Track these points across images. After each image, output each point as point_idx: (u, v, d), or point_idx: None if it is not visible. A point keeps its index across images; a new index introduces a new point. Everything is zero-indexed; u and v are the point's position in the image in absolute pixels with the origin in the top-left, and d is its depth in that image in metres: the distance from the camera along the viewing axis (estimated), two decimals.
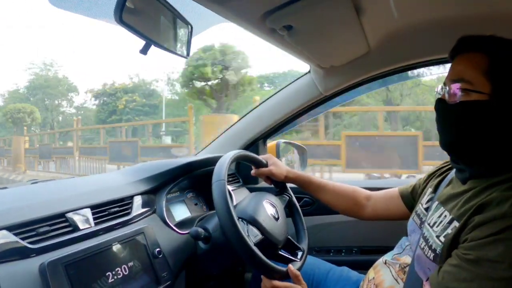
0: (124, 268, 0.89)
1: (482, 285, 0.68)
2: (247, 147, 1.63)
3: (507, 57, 0.77)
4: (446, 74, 0.86)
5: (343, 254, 1.55)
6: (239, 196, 1.37)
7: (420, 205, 0.99)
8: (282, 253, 1.04)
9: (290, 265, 0.98)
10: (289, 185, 1.28)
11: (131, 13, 0.72)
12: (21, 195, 0.93)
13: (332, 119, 9.83)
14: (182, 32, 0.94)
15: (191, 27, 0.96)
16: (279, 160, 1.26)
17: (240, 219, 0.99)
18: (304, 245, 1.14)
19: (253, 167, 1.23)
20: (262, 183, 1.59)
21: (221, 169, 0.99)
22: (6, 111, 21.83)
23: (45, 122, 28.09)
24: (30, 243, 0.78)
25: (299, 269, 1.02)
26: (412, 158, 6.38)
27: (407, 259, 0.97)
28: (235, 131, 1.67)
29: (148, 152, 9.55)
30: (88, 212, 0.92)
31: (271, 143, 1.69)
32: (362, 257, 1.52)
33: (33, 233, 0.79)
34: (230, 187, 1.41)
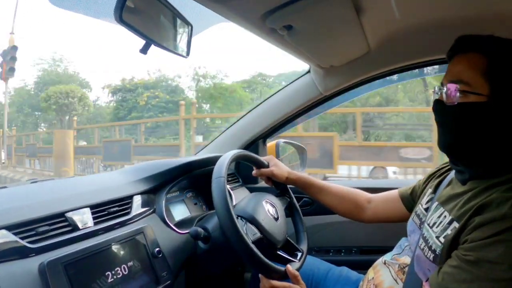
0: (124, 267, 0.89)
1: (482, 286, 0.68)
2: (247, 146, 1.63)
3: (506, 58, 0.76)
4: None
5: (342, 254, 1.55)
6: (239, 196, 1.37)
7: (420, 205, 0.99)
8: (281, 254, 1.04)
9: (288, 265, 0.97)
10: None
11: (131, 12, 0.72)
12: (20, 194, 0.93)
13: None
14: (182, 32, 0.94)
15: (191, 27, 0.96)
16: (281, 162, 1.26)
17: (239, 217, 0.99)
18: (303, 246, 1.14)
19: (254, 167, 1.23)
20: (262, 183, 1.59)
21: (222, 167, 0.99)
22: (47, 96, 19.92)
23: (52, 119, 27.00)
24: (29, 242, 0.78)
25: (297, 270, 1.02)
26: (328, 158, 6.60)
27: (406, 259, 0.97)
28: (235, 131, 1.67)
29: (141, 151, 9.67)
30: (87, 212, 0.92)
31: (270, 143, 1.69)
32: (361, 257, 1.52)
33: (33, 232, 0.79)
34: (229, 187, 1.41)
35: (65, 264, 0.78)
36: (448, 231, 0.78)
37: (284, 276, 0.96)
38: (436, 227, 0.83)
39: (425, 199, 0.98)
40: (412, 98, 14.55)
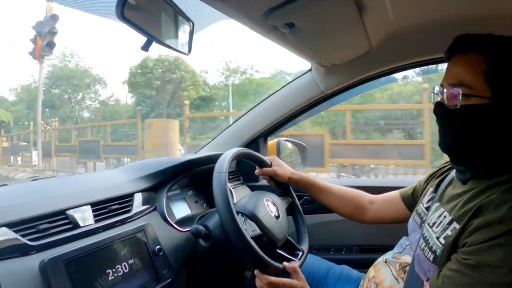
0: (125, 265, 0.89)
1: None
2: (248, 144, 1.63)
3: (506, 58, 0.75)
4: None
5: (343, 252, 1.55)
6: (240, 194, 1.37)
7: (421, 204, 0.99)
8: (281, 252, 1.04)
9: (285, 262, 0.97)
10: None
11: (132, 9, 0.72)
12: (21, 192, 0.93)
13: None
14: (183, 29, 0.93)
15: (193, 24, 0.95)
16: (283, 162, 1.26)
17: (239, 214, 0.99)
18: (304, 246, 1.13)
19: (257, 166, 1.23)
20: (263, 181, 1.58)
21: (223, 163, 1.00)
22: None
23: (67, 117, 26.12)
24: (30, 240, 0.78)
25: None
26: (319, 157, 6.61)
27: (407, 258, 0.97)
28: (236, 129, 1.66)
29: (109, 150, 10.68)
30: (88, 209, 0.92)
31: (272, 141, 1.69)
32: (362, 256, 1.52)
33: (33, 230, 0.79)
34: (230, 185, 1.41)
35: (66, 262, 0.78)
36: (448, 232, 0.77)
37: (283, 273, 0.96)
38: (436, 227, 0.82)
39: (426, 198, 0.98)
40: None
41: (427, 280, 0.82)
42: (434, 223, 0.84)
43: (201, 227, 1.03)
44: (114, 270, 0.86)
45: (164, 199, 1.14)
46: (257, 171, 1.23)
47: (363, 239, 1.52)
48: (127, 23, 0.70)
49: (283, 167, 1.23)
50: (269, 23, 0.95)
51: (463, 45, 0.80)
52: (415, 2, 1.06)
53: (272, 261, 0.94)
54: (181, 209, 1.24)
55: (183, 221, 1.18)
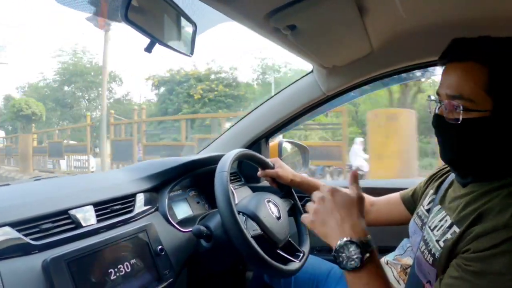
0: (127, 265, 0.89)
1: None
2: (250, 146, 1.63)
3: (508, 68, 0.72)
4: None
5: None
6: (241, 195, 1.37)
7: (421, 206, 0.99)
8: (281, 253, 1.04)
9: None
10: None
11: (136, 11, 0.72)
12: (24, 192, 0.93)
13: None
14: (186, 31, 0.94)
15: (196, 26, 0.96)
16: (285, 164, 1.26)
17: (240, 213, 0.99)
18: (305, 248, 1.13)
19: (259, 168, 1.23)
20: (264, 182, 1.59)
21: (226, 162, 1.01)
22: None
23: (81, 115, 24.93)
24: (33, 239, 0.78)
25: (297, 270, 1.02)
26: None
27: (408, 260, 0.97)
28: (238, 130, 1.67)
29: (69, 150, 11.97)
30: (91, 209, 0.92)
31: (273, 142, 1.69)
32: None
33: (36, 229, 0.80)
34: (232, 186, 1.42)
35: (68, 261, 0.78)
36: (448, 235, 0.77)
37: (282, 272, 0.96)
38: (437, 231, 0.82)
39: (426, 200, 0.98)
40: None
41: (427, 282, 0.82)
42: (435, 226, 0.83)
43: (202, 228, 1.03)
44: (116, 270, 0.86)
45: (166, 200, 1.15)
46: (259, 172, 1.23)
47: None
48: (131, 25, 0.71)
49: (285, 169, 1.23)
50: (271, 25, 0.96)
51: (460, 52, 0.76)
52: (416, 4, 1.06)
53: (272, 261, 0.94)
54: (183, 210, 1.25)
55: (184, 222, 1.18)
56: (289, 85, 1.59)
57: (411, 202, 1.11)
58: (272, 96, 1.62)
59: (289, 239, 1.10)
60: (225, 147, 1.63)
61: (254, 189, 1.52)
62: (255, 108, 1.66)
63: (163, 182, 1.18)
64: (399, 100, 12.25)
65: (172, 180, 1.21)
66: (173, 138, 11.96)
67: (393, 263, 1.00)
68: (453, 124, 0.76)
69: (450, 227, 0.78)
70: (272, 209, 1.07)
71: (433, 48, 1.27)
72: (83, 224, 0.88)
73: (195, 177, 1.33)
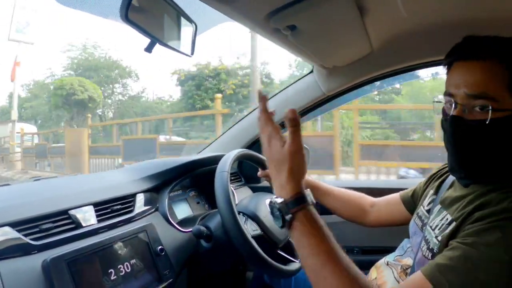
0: (127, 265, 0.89)
1: (475, 265, 0.65)
2: (250, 146, 1.63)
3: None
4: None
5: None
6: (242, 195, 1.37)
7: (421, 207, 0.99)
8: (281, 253, 1.04)
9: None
10: None
11: (136, 11, 0.72)
12: (24, 192, 0.93)
13: None
14: (186, 31, 0.94)
15: (196, 26, 0.96)
16: None
17: (240, 213, 0.99)
18: None
19: (259, 168, 1.23)
20: (265, 182, 1.59)
21: (226, 162, 1.01)
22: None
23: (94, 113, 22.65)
24: (33, 239, 0.78)
25: (298, 270, 1.02)
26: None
27: (408, 261, 0.97)
28: (238, 130, 1.67)
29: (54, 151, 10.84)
30: (91, 210, 0.92)
31: None
32: (363, 257, 1.52)
33: (36, 229, 0.80)
34: (232, 186, 1.42)
35: (68, 261, 0.78)
36: (447, 231, 0.77)
37: (282, 272, 0.96)
38: (438, 230, 0.82)
39: (426, 200, 0.98)
40: None
41: None
42: (436, 226, 0.83)
43: (202, 228, 1.03)
44: (116, 270, 0.86)
45: (166, 200, 1.15)
46: (259, 172, 1.23)
47: (365, 240, 1.52)
48: (131, 25, 0.71)
49: None
50: (271, 26, 0.96)
51: (478, 49, 0.74)
52: (416, 5, 1.06)
53: (271, 261, 0.94)
54: (183, 210, 1.25)
55: (184, 222, 1.18)
56: (289, 85, 1.59)
57: (411, 202, 1.11)
58: (273, 96, 1.62)
59: (290, 239, 1.10)
60: (225, 147, 1.63)
61: (254, 189, 1.52)
62: (255, 108, 1.65)
63: (163, 182, 1.18)
64: None
65: (172, 180, 1.21)
66: (205, 137, 11.22)
67: (394, 264, 1.00)
68: (478, 125, 0.72)
69: (450, 224, 0.78)
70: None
71: (433, 48, 1.28)
72: (83, 224, 0.88)
73: (195, 177, 1.33)
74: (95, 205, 0.94)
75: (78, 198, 0.92)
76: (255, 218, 1.00)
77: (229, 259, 1.09)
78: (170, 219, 1.11)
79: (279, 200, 0.72)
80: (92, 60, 22.17)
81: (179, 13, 0.89)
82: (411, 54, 1.35)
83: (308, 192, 0.73)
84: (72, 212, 0.88)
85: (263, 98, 0.78)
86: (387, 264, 1.02)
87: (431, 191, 0.98)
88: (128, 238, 0.93)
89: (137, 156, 9.24)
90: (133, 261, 0.91)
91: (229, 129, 1.71)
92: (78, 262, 0.80)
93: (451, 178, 0.92)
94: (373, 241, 1.50)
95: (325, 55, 1.31)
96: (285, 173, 0.73)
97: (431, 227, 0.86)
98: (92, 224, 0.90)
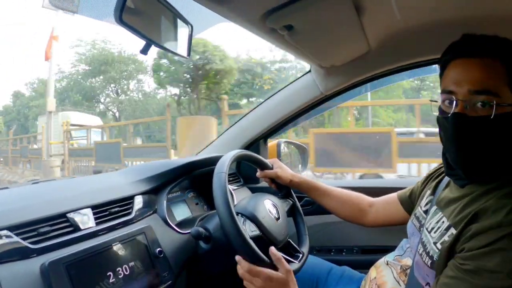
0: (125, 268, 0.89)
1: None
2: (248, 146, 1.63)
3: None
4: None
5: (344, 253, 1.55)
6: (240, 196, 1.37)
7: (419, 207, 0.98)
8: (280, 254, 1.04)
9: (272, 247, 0.95)
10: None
11: (131, 13, 0.72)
12: (22, 195, 0.93)
13: None
14: (182, 32, 0.94)
15: (192, 27, 0.96)
16: (284, 165, 1.26)
17: (239, 214, 0.99)
18: (304, 248, 1.13)
19: (258, 169, 1.23)
20: (263, 183, 1.58)
21: (224, 163, 1.01)
22: None
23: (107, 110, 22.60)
24: (31, 243, 0.78)
25: (297, 271, 1.02)
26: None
27: (408, 261, 0.97)
28: (236, 131, 1.67)
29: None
30: (89, 212, 0.92)
31: (271, 143, 1.69)
32: (363, 257, 1.51)
33: (34, 233, 0.80)
34: (231, 187, 1.41)
35: (66, 265, 0.78)
36: (445, 238, 0.77)
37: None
38: (434, 233, 0.82)
39: (424, 201, 0.97)
40: None
41: (426, 285, 0.82)
42: (432, 228, 0.83)
43: (201, 229, 1.03)
44: (114, 272, 0.86)
45: (165, 202, 1.15)
46: (258, 173, 1.23)
47: (364, 240, 1.52)
48: (125, 27, 0.70)
49: (285, 170, 1.23)
50: (268, 26, 0.96)
51: (479, 48, 0.75)
52: (413, 3, 1.06)
53: (271, 262, 0.94)
54: (182, 211, 1.25)
55: (183, 223, 1.18)
56: (287, 85, 1.59)
57: (409, 202, 1.11)
58: (270, 97, 1.62)
59: (289, 239, 1.10)
60: (223, 148, 1.63)
61: (253, 190, 1.52)
62: (253, 109, 1.66)
63: (162, 184, 1.18)
64: None
65: (170, 181, 1.21)
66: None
67: (393, 264, 1.00)
68: (483, 121, 0.73)
69: (447, 229, 0.78)
70: (271, 209, 1.07)
71: (430, 46, 1.28)
72: (81, 227, 0.88)
73: (194, 178, 1.32)
74: (93, 207, 0.94)
75: (76, 201, 0.92)
76: (253, 218, 1.00)
77: (229, 260, 1.08)
78: (169, 220, 1.11)
79: None
80: (108, 54, 21.04)
81: (174, 15, 0.89)
82: (408, 53, 1.35)
83: None
84: (70, 215, 0.88)
85: None
86: (387, 264, 1.02)
87: (428, 192, 0.97)
88: (127, 241, 0.93)
89: (105, 160, 9.27)
90: (131, 263, 0.91)
91: (227, 130, 1.71)
92: (77, 266, 0.80)
93: (447, 178, 0.92)
94: (372, 240, 1.50)
95: (322, 55, 1.31)
96: None
97: (427, 229, 0.85)
98: (91, 227, 0.90)
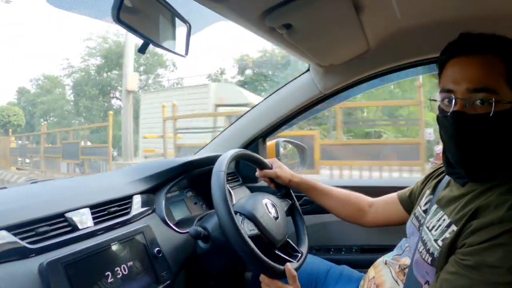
0: (124, 267, 0.89)
1: None
2: (247, 145, 1.63)
3: None
4: None
5: (343, 253, 1.55)
6: (239, 195, 1.37)
7: (418, 207, 0.98)
8: (279, 253, 1.04)
9: (288, 264, 0.96)
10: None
11: (129, 12, 0.72)
12: (20, 195, 0.93)
13: None
14: (180, 31, 0.94)
15: (190, 26, 0.95)
16: (283, 164, 1.26)
17: (237, 213, 0.99)
18: (303, 248, 1.13)
19: (257, 168, 1.23)
20: (262, 182, 1.58)
21: (222, 162, 1.00)
22: None
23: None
24: (29, 243, 0.78)
25: (296, 270, 1.02)
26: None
27: (406, 260, 0.97)
28: (235, 130, 1.66)
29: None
30: (87, 212, 0.92)
31: (270, 142, 1.69)
32: (362, 256, 1.52)
33: (33, 233, 0.79)
34: (229, 186, 1.41)
35: (65, 265, 0.78)
36: (447, 235, 0.77)
37: (279, 274, 0.96)
38: (435, 230, 0.81)
39: (423, 200, 0.97)
40: None
41: (426, 283, 0.82)
42: (433, 227, 0.83)
43: (200, 229, 1.03)
44: (113, 272, 0.86)
45: (163, 201, 1.14)
46: (257, 173, 1.23)
47: (363, 239, 1.52)
48: (123, 26, 0.70)
49: (284, 170, 1.23)
50: (267, 25, 0.95)
51: (476, 45, 0.75)
52: (413, 3, 1.06)
53: (269, 262, 0.94)
54: (180, 211, 1.25)
55: (182, 223, 1.18)
56: (285, 84, 1.58)
57: (408, 202, 1.11)
58: (269, 96, 1.62)
59: (287, 239, 1.10)
60: (222, 147, 1.62)
61: (252, 189, 1.51)
62: (251, 108, 1.65)
63: (160, 183, 1.18)
64: None
65: (169, 181, 1.21)
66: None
67: (392, 263, 1.00)
68: (482, 118, 0.73)
69: (448, 226, 0.78)
70: (269, 209, 1.07)
71: (429, 46, 1.28)
72: (80, 227, 0.88)
73: (193, 177, 1.32)
74: (92, 207, 0.93)
75: (75, 200, 0.92)
76: (252, 218, 1.00)
77: (228, 260, 1.08)
78: (167, 220, 1.11)
79: None
80: (115, 51, 19.68)
81: (172, 13, 0.88)
82: (408, 52, 1.35)
83: None
84: (68, 215, 0.87)
85: None
86: (386, 263, 1.02)
87: (428, 191, 0.97)
88: (125, 240, 0.93)
89: (71, 157, 10.33)
90: (130, 263, 0.91)
91: (226, 129, 1.71)
92: (75, 265, 0.79)
93: (447, 177, 0.92)
94: (371, 240, 1.50)
95: (321, 54, 1.30)
96: None
97: (428, 227, 0.85)
98: (89, 227, 0.90)
